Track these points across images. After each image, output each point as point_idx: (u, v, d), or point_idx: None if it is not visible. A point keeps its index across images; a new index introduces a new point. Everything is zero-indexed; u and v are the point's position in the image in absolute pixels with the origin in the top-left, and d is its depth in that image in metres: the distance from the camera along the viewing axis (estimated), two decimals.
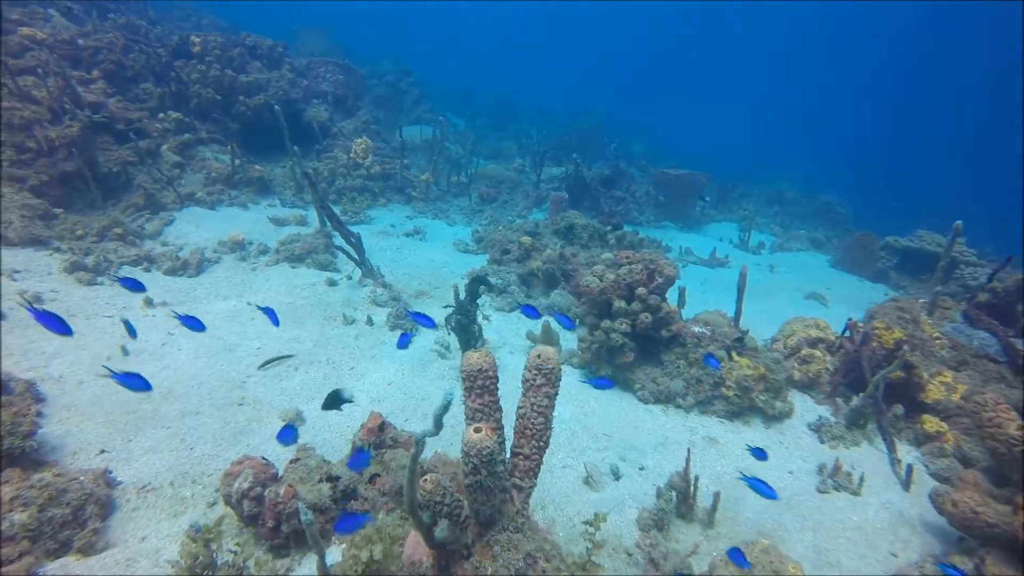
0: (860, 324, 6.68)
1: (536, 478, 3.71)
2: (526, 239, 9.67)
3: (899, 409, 6.38)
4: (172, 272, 8.04)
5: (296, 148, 10.22)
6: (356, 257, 8.57)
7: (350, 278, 8.73)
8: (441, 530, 2.94)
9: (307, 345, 6.75)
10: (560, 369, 3.60)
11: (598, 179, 15.17)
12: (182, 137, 11.26)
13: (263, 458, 3.97)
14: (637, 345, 6.65)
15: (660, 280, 6.45)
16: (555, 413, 5.99)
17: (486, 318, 8.11)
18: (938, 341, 6.78)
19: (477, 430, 2.90)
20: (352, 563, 3.20)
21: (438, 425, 2.70)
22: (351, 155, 12.57)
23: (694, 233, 15.82)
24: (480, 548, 3.11)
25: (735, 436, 6.14)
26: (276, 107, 11.09)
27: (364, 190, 12.42)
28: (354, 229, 11.18)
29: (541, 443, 3.62)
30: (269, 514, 3.63)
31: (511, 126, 23.47)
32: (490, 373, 3.42)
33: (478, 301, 6.60)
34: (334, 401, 4.04)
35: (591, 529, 3.43)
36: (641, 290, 6.41)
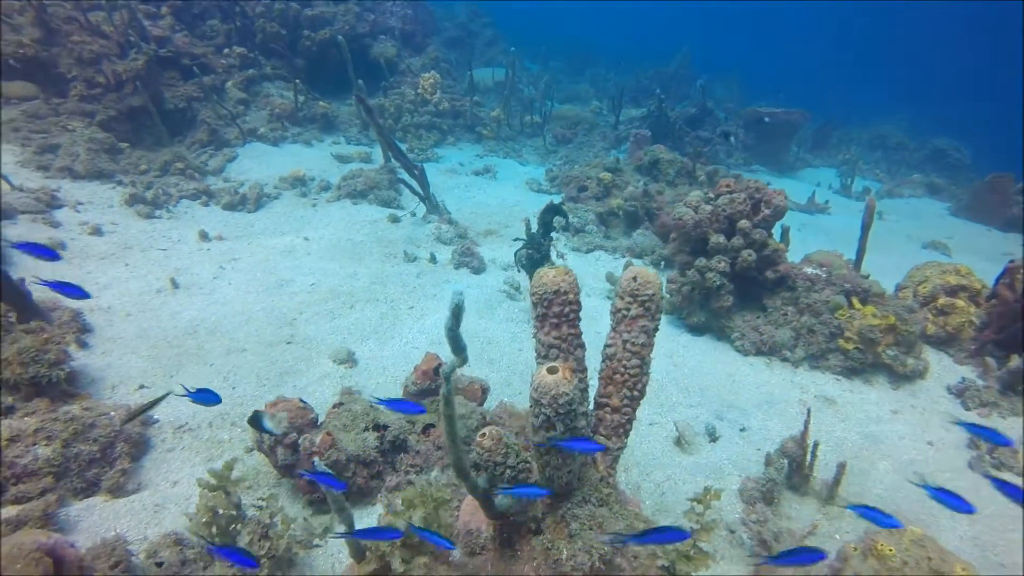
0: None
1: (627, 437, 2.99)
2: (605, 175, 8.75)
3: None
4: (231, 207, 7.69)
5: (360, 81, 9.62)
6: (420, 192, 7.94)
7: (414, 215, 8.14)
8: (503, 497, 2.28)
9: (364, 282, 6.22)
10: (661, 297, 2.81)
11: (683, 118, 13.86)
12: (247, 73, 10.89)
13: (301, 400, 3.43)
14: (736, 287, 5.72)
15: (767, 212, 5.46)
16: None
17: (560, 256, 7.34)
18: None
19: (552, 371, 2.14)
20: None
21: (456, 346, 2.00)
22: (419, 91, 11.87)
23: (787, 178, 14.28)
24: (553, 523, 2.41)
25: (855, 397, 5.18)
26: (341, 39, 10.47)
27: (432, 127, 11.76)
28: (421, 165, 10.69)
29: (635, 392, 2.89)
30: (305, 465, 3.09)
31: (588, 71, 22.13)
32: (570, 297, 2.68)
33: (552, 235, 5.83)
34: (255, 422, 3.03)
35: (699, 507, 2.68)
36: (744, 223, 5.44)
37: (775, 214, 5.45)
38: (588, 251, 7.80)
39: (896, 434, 4.75)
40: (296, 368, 4.67)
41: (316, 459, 2.61)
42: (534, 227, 5.79)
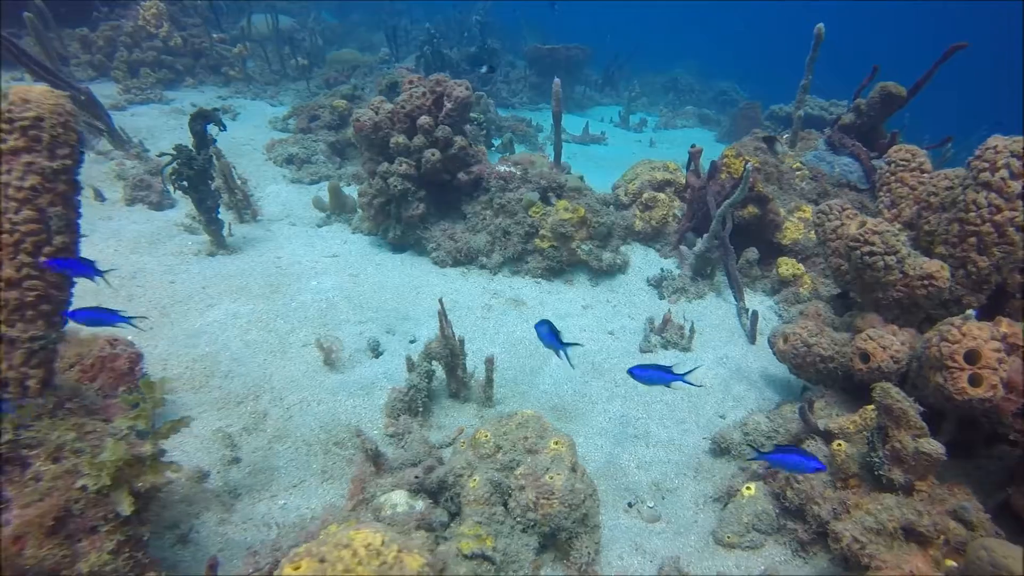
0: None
1: (47, 322, 2.19)
2: (340, 103, 7.86)
3: (752, 253, 5.23)
4: None
5: None
6: (98, 124, 6.54)
7: (99, 152, 6.72)
8: None
9: None
10: (75, 127, 2.00)
11: (463, 57, 13.25)
12: None
13: None
14: (432, 195, 5.14)
15: (449, 106, 4.89)
16: (315, 283, 4.49)
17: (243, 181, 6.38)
18: (799, 172, 5.63)
19: None
20: None
21: None
22: (140, 21, 10.09)
23: (575, 116, 14.27)
24: None
25: (551, 297, 4.83)
26: None
27: (160, 65, 10.07)
28: (141, 108, 9.10)
29: (40, 256, 2.08)
30: None
31: (390, 22, 20.79)
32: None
33: (210, 145, 4.86)
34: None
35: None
36: (424, 119, 4.83)
37: (458, 107, 4.89)
38: (312, 182, 6.91)
39: (580, 328, 4.44)
40: None
41: None
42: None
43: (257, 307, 4.26)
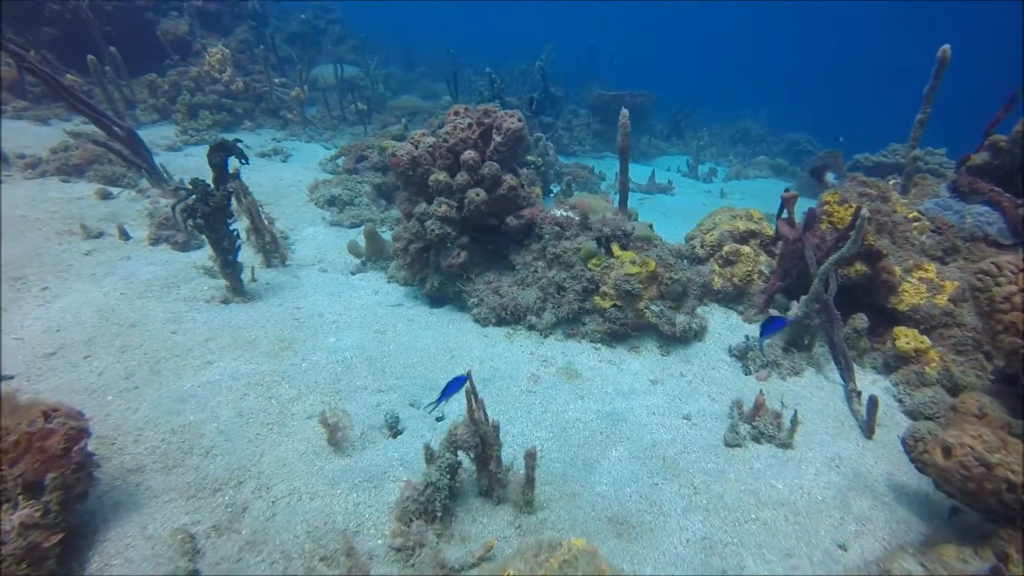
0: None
1: None
2: (388, 143, 7.42)
3: (861, 321, 4.27)
4: None
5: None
6: (133, 159, 6.29)
7: (140, 191, 6.46)
8: None
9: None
10: None
11: (524, 104, 12.89)
12: None
13: None
14: (473, 242, 4.47)
15: (499, 139, 4.25)
16: (333, 340, 3.84)
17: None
18: (916, 224, 4.65)
19: None
20: None
21: None
22: (204, 67, 10.18)
23: (641, 165, 13.60)
24: None
25: (611, 368, 3.99)
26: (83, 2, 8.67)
27: (220, 108, 10.06)
28: (194, 149, 8.98)
29: None
30: None
31: (458, 77, 21.04)
32: None
33: (231, 180, 4.37)
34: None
35: None
36: (469, 154, 4.20)
37: (508, 142, 4.24)
38: (353, 226, 6.40)
39: (648, 409, 3.57)
40: None
41: None
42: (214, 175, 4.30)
43: (261, 367, 3.61)
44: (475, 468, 2.89)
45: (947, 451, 2.32)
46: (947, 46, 4.43)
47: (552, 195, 8.02)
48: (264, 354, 3.75)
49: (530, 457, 2.72)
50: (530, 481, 2.78)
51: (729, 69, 39.90)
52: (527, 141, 4.38)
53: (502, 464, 2.86)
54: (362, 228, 5.89)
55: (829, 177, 3.85)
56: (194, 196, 4.16)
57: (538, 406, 3.52)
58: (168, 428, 3.02)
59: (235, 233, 4.42)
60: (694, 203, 10.57)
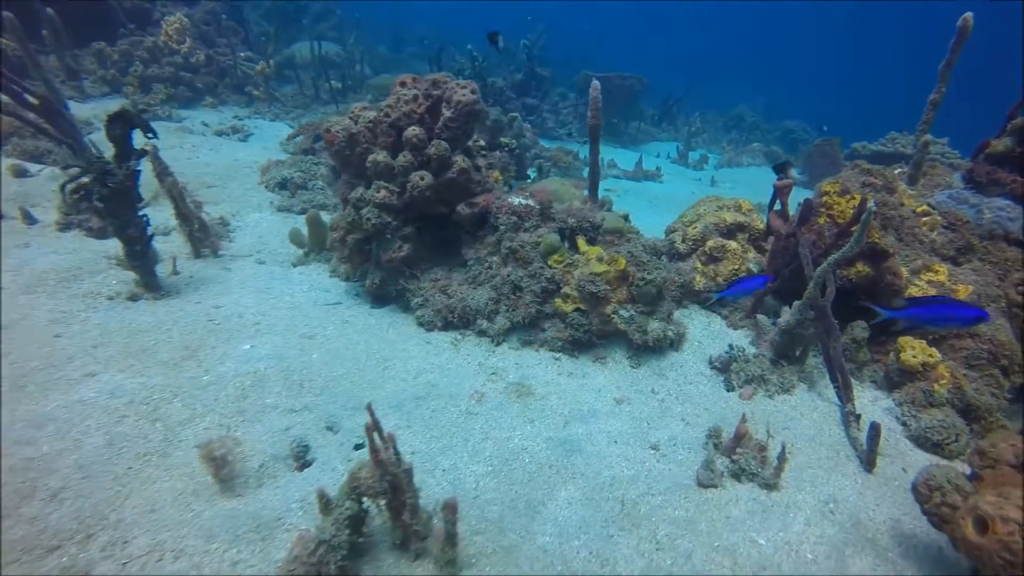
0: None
1: None
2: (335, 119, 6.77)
3: (861, 331, 3.73)
4: None
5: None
6: (59, 136, 5.63)
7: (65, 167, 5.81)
8: None
9: None
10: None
11: (508, 85, 12.26)
12: None
13: None
14: (419, 232, 3.88)
15: (449, 114, 3.65)
16: (247, 347, 3.29)
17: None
18: (926, 219, 4.10)
19: None
20: None
21: None
22: (161, 37, 9.47)
23: (629, 151, 12.99)
24: None
25: (572, 383, 3.43)
26: None
27: (178, 82, 9.37)
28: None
29: None
30: None
31: (442, 55, 20.27)
32: None
33: (137, 157, 3.76)
34: None
35: None
36: (413, 131, 3.60)
37: (460, 116, 3.64)
38: (303, 211, 5.79)
39: (609, 436, 3.02)
40: None
41: None
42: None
43: (152, 381, 3.03)
44: (389, 517, 2.34)
45: (985, 524, 1.78)
46: (970, 13, 3.85)
47: (529, 180, 7.43)
48: (160, 364, 3.17)
49: (450, 511, 2.16)
50: (451, 538, 2.22)
51: (727, 55, 39.23)
52: (483, 116, 3.79)
53: (419, 513, 2.31)
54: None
55: (792, 173, 3.41)
56: (88, 175, 3.55)
57: (479, 431, 2.96)
58: (7, 465, 2.44)
59: (145, 219, 3.82)
60: (682, 191, 9.99)
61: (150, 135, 3.67)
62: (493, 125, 6.82)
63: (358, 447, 2.87)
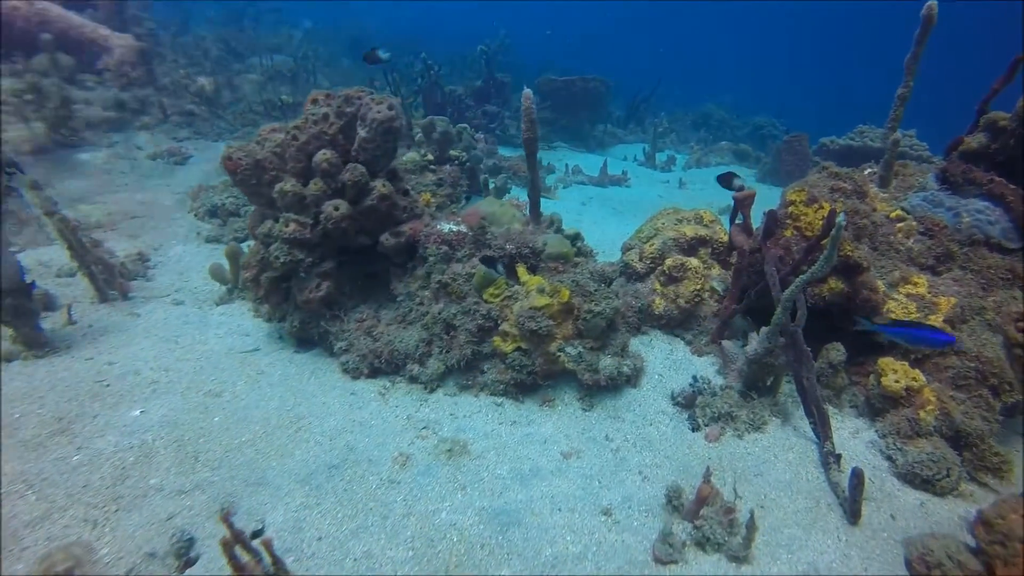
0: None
1: None
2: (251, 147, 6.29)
3: (837, 353, 3.35)
4: None
5: None
6: None
7: None
8: None
9: None
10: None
11: (468, 92, 11.86)
12: None
13: None
14: (341, 268, 3.43)
15: (364, 134, 3.21)
16: (136, 413, 2.82)
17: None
18: (901, 225, 3.74)
19: None
20: None
21: None
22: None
23: (596, 155, 12.63)
24: None
25: (514, 434, 3.00)
26: None
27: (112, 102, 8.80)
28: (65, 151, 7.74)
29: None
30: None
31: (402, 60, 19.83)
32: None
33: (10, 173, 3.26)
34: None
35: None
36: (324, 155, 3.16)
37: (376, 136, 3.21)
38: (234, 240, 5.29)
39: (553, 502, 2.59)
40: None
41: None
42: None
43: (3, 468, 2.54)
44: None
45: None
46: (933, 2, 3.50)
47: (483, 196, 7.01)
48: (20, 445, 2.68)
49: None
50: None
51: (694, 54, 39.24)
52: (401, 132, 3.35)
53: None
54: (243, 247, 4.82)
55: (738, 183, 3.17)
56: None
57: (400, 505, 2.52)
58: None
59: (18, 263, 3.32)
60: (650, 195, 9.65)
61: (11, 170, 3.17)
62: (441, 137, 6.38)
63: (256, 533, 2.41)
